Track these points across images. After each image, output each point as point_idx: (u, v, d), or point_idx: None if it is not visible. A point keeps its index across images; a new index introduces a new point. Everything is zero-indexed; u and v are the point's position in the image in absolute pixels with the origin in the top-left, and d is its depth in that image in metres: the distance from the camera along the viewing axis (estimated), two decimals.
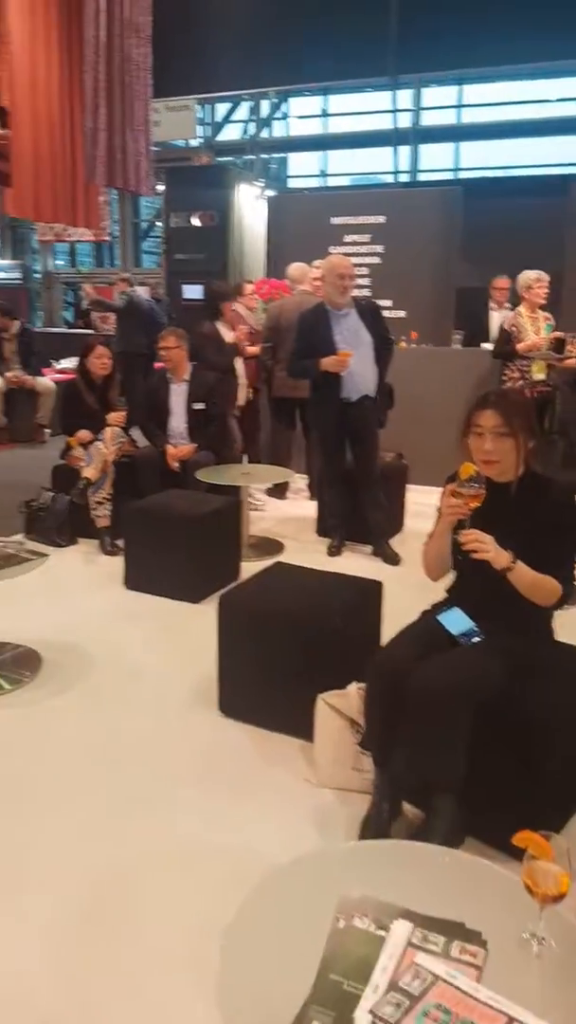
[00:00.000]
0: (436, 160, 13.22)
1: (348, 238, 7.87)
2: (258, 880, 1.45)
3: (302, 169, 15.42)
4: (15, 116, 7.25)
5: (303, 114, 14.76)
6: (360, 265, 7.25)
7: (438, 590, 2.42)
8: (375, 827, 2.12)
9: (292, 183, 15.09)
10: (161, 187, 11.29)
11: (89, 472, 4.58)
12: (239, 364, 5.56)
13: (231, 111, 14.74)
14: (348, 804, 2.35)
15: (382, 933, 1.29)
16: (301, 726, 2.57)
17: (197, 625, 3.63)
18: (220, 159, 13.57)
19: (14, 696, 3.05)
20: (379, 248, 7.80)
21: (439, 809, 2.04)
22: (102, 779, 2.53)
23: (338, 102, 14.24)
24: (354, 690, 2.39)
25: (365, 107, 13.66)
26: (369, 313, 4.45)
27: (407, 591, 2.82)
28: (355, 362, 4.26)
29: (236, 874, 2.06)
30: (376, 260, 7.80)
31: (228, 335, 5.46)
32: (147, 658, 3.37)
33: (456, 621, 2.22)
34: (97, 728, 2.83)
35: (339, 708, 2.41)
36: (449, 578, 2.39)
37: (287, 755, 2.63)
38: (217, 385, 5.06)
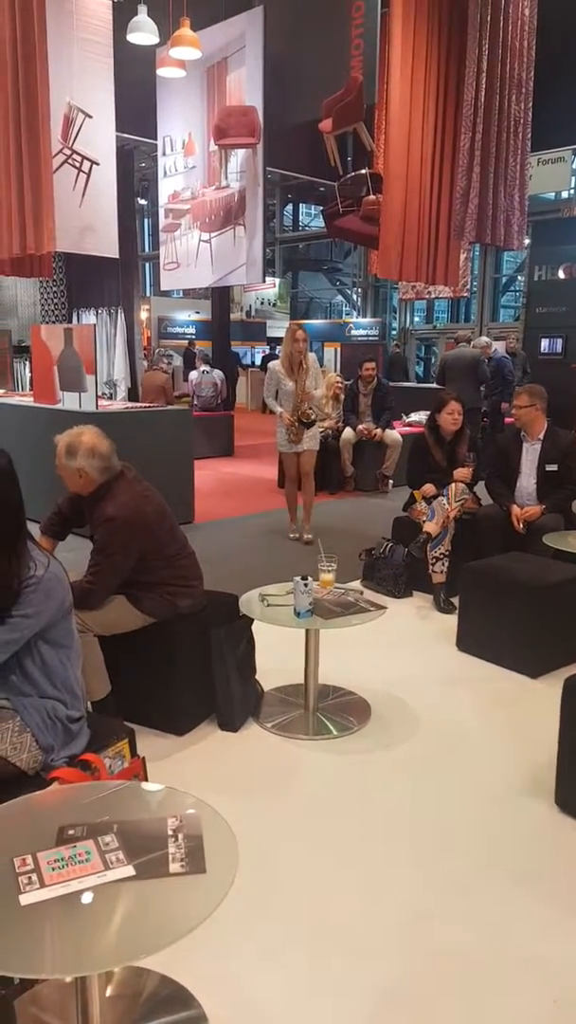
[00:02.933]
0: None
1: None
2: None
3: None
4: (388, 181, 7.62)
5: None
6: None
7: None
8: None
9: None
10: (526, 240, 11.14)
11: (430, 527, 4.53)
12: None
13: None
14: None
15: None
16: None
17: (533, 702, 3.36)
18: None
19: (341, 743, 3.05)
20: None
21: None
22: (419, 851, 2.39)
23: None
24: None
25: None
26: None
27: None
28: None
29: (565, 1001, 1.79)
30: None
31: None
32: (476, 729, 3.17)
33: None
34: (419, 794, 2.70)
35: None
36: None
37: None
38: (572, 447, 4.72)
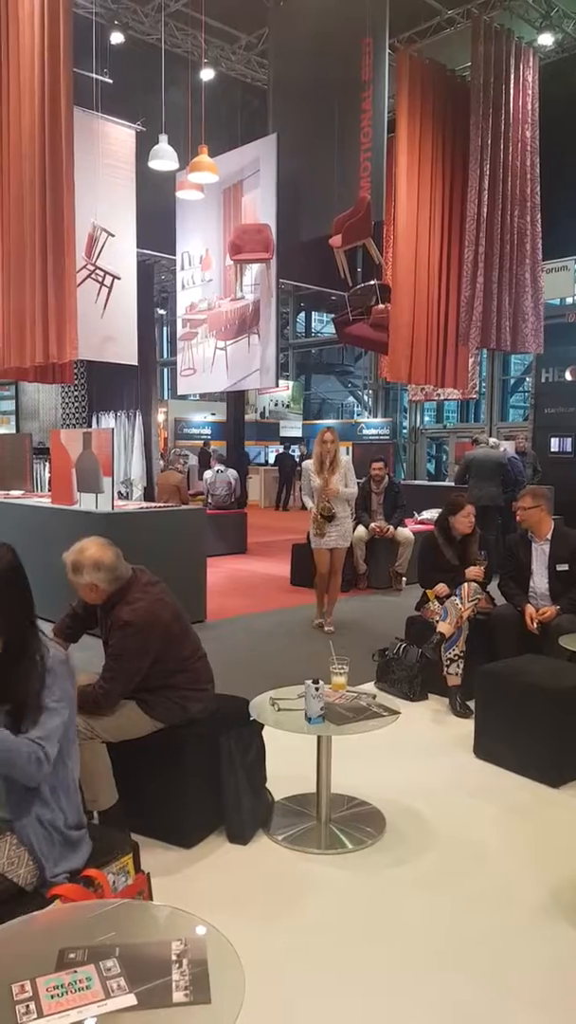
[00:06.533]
0: None
1: None
2: None
3: None
4: (396, 291, 7.95)
5: None
6: None
7: None
8: None
9: None
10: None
11: (444, 627, 4.48)
12: None
13: None
14: None
15: None
16: None
17: (556, 814, 3.25)
18: None
19: (355, 858, 2.93)
20: None
21: None
22: (437, 979, 2.26)
23: None
24: None
25: None
26: None
27: None
28: None
29: None
30: None
31: None
32: (496, 844, 3.05)
33: None
34: (436, 915, 2.57)
35: None
36: None
37: None
38: None
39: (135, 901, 1.88)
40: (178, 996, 1.39)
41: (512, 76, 8.21)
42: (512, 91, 8.21)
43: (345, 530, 6.20)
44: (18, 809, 1.98)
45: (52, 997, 1.38)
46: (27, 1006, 1.36)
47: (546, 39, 11.58)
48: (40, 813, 1.98)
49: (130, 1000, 1.38)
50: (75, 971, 1.44)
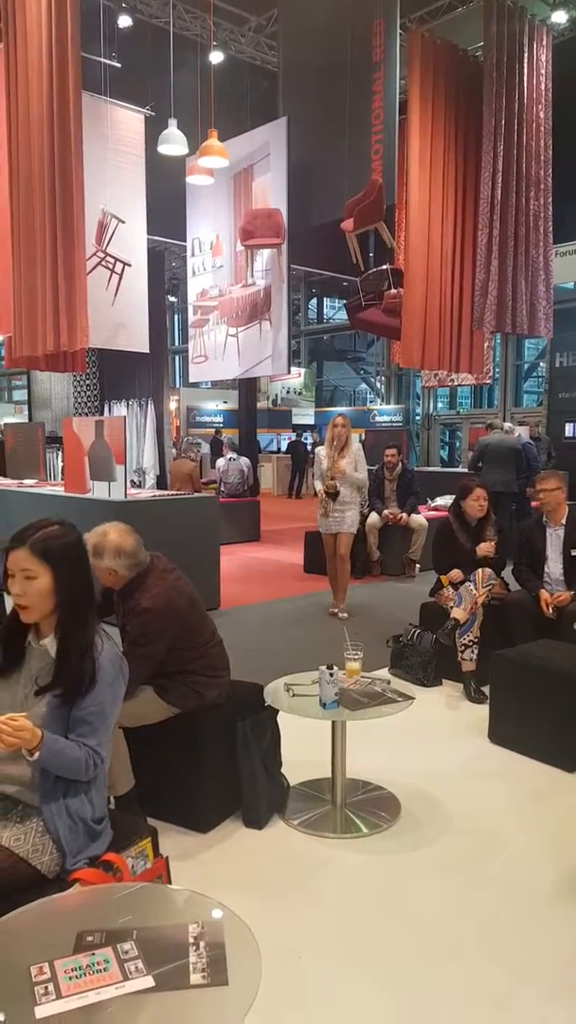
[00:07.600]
0: None
1: None
2: None
3: None
4: (409, 276, 7.88)
5: None
6: None
7: None
8: None
9: None
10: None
11: (458, 613, 4.47)
12: None
13: None
14: None
15: None
16: None
17: (571, 799, 3.25)
18: None
19: (371, 842, 2.94)
20: None
21: None
22: (453, 961, 2.26)
23: None
24: None
25: None
26: None
27: None
28: None
29: None
30: None
31: None
32: (511, 828, 3.05)
33: None
34: (452, 898, 2.58)
35: None
36: None
37: None
38: None
39: (152, 884, 1.88)
40: (195, 978, 1.40)
41: (526, 55, 8.08)
42: (526, 70, 8.08)
43: (350, 516, 6.22)
44: (48, 795, 1.98)
45: (70, 979, 1.39)
46: (46, 987, 1.37)
47: (560, 16, 11.41)
48: (69, 803, 1.98)
49: (148, 982, 1.39)
50: (93, 953, 1.45)
